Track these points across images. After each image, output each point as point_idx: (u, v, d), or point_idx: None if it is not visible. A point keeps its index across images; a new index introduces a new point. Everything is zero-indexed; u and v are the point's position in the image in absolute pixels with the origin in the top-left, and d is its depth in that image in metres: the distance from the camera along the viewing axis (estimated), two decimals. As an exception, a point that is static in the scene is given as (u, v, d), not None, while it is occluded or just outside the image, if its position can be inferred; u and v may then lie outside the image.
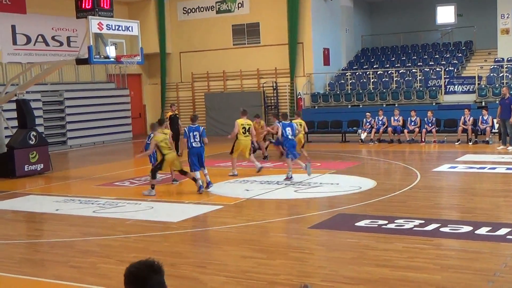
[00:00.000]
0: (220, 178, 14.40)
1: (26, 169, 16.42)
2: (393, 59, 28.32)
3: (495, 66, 24.53)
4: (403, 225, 9.11)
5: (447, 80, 24.17)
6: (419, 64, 26.90)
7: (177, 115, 19.87)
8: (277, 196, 12.23)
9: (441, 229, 8.81)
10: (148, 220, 10.37)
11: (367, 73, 26.55)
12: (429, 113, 20.93)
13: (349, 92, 25.53)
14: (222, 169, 15.61)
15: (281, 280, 6.87)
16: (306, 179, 13.75)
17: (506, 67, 23.97)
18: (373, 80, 25.84)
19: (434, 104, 23.46)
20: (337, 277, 6.88)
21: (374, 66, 27.72)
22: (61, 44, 25.35)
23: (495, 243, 8.10)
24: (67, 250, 8.74)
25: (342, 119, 23.18)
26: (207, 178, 12.92)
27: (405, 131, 21.05)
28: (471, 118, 20.12)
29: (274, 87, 26.67)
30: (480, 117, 20.18)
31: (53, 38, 25.05)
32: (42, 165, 16.85)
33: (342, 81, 26.54)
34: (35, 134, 16.82)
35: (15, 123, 17.33)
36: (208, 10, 28.16)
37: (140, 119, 29.25)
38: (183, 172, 12.90)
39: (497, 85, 22.96)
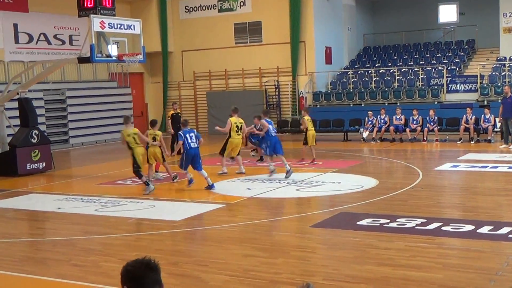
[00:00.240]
0: (222, 177, 14.41)
1: (28, 168, 16.44)
2: (395, 57, 28.29)
3: (497, 65, 24.49)
4: (405, 224, 9.10)
5: (449, 78, 24.13)
6: (421, 62, 26.87)
7: (179, 114, 19.86)
8: (279, 194, 12.22)
9: (443, 228, 8.80)
10: (150, 219, 10.37)
11: (369, 71, 26.53)
12: (431, 112, 20.92)
13: (351, 91, 25.51)
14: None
15: (283, 278, 6.88)
16: (308, 178, 13.76)
17: (508, 66, 23.93)
18: (375, 78, 25.82)
19: (436, 103, 23.44)
20: (339, 276, 6.88)
21: (376, 65, 27.69)
22: (63, 42, 25.35)
23: (497, 242, 8.10)
24: (69, 249, 8.76)
25: (344, 118, 23.16)
26: (208, 180, 12.86)
27: (407, 130, 21.03)
28: (473, 117, 20.10)
29: (276, 86, 26.66)
30: (482, 116, 20.16)
31: (55, 36, 25.05)
32: (44, 163, 16.87)
33: (344, 79, 26.52)
34: (37, 133, 16.84)
35: (17, 121, 17.33)
36: (210, 8, 28.15)
37: (142, 117, 29.23)
38: (137, 171, 12.82)
39: (499, 84, 22.93)
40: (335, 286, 6.55)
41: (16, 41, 23.61)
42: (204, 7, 28.28)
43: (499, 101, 20.24)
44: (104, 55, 15.51)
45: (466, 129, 20.04)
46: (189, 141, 12.84)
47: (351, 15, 29.24)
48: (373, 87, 25.40)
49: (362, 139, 21.40)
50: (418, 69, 25.58)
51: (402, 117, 21.42)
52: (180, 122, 18.84)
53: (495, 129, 19.94)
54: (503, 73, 23.72)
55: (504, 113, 18.58)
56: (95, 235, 9.54)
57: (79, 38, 24.57)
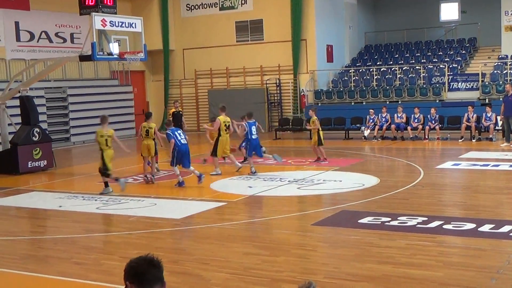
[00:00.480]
0: (222, 175, 14.42)
1: (29, 166, 16.46)
2: (397, 56, 28.26)
3: (499, 63, 24.46)
4: (406, 222, 9.10)
5: (450, 77, 24.12)
6: (422, 61, 26.84)
7: (181, 112, 19.87)
8: (280, 193, 12.22)
9: (444, 226, 8.81)
10: (151, 217, 10.38)
11: (371, 70, 26.51)
12: (433, 110, 20.90)
13: (352, 89, 25.50)
14: (225, 167, 15.58)
15: (284, 277, 6.88)
16: (309, 176, 13.76)
17: (510, 64, 23.89)
18: (376, 77, 25.81)
19: (437, 101, 23.42)
20: (340, 274, 6.88)
21: (378, 63, 27.67)
22: (65, 40, 25.35)
23: (498, 240, 8.11)
24: (70, 247, 8.77)
25: (345, 116, 23.15)
26: (195, 172, 13.10)
27: (409, 128, 21.01)
28: (475, 115, 20.09)
29: (277, 84, 26.66)
30: (484, 114, 20.15)
31: (56, 34, 25.05)
32: (45, 161, 16.89)
33: (345, 78, 26.50)
34: (38, 131, 16.85)
35: (18, 119, 17.34)
36: (212, 6, 28.14)
37: (143, 115, 29.23)
38: (104, 172, 12.76)
39: (500, 82, 22.90)
40: (336, 284, 6.55)
41: (18, 39, 23.62)
42: (205, 5, 28.27)
43: (501, 99, 20.21)
44: (106, 53, 15.51)
45: (468, 128, 20.03)
46: (179, 138, 13.14)
47: (353, 13, 29.22)
48: (375, 85, 25.39)
49: (363, 137, 21.38)
50: (419, 67, 25.55)
51: (404, 115, 21.41)
52: (181, 121, 18.94)
53: (497, 128, 19.93)
54: (504, 72, 23.70)
55: (505, 112, 18.57)
56: (96, 233, 9.56)
57: (81, 36, 24.57)
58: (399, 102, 23.51)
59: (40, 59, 21.54)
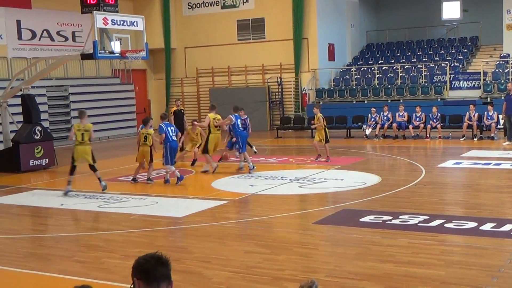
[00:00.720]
0: (223, 174, 14.42)
1: (31, 164, 16.47)
2: (398, 54, 28.24)
3: (501, 62, 24.44)
4: (408, 221, 9.10)
5: (452, 75, 24.10)
6: (424, 59, 26.82)
7: (182, 111, 19.86)
8: (281, 191, 12.23)
9: (446, 225, 8.80)
10: (153, 215, 10.39)
11: (372, 68, 26.49)
12: (434, 109, 20.88)
13: (354, 87, 25.49)
14: (225, 165, 15.57)
15: (285, 275, 6.88)
16: (310, 175, 13.76)
17: (511, 63, 23.87)
18: (378, 75, 25.78)
19: (439, 99, 23.40)
20: (342, 273, 6.88)
21: (379, 62, 27.64)
22: (66, 39, 25.36)
23: (499, 239, 8.10)
24: (72, 245, 8.78)
25: (347, 114, 23.14)
26: (176, 173, 13.14)
27: (410, 126, 21.01)
28: (476, 114, 20.08)
29: (279, 83, 26.65)
30: (486, 113, 20.13)
31: (58, 33, 25.06)
32: (47, 160, 16.90)
33: (347, 76, 26.49)
34: (40, 129, 16.87)
35: (20, 118, 17.37)
36: (213, 5, 28.13)
37: (145, 114, 29.22)
38: (91, 167, 12.95)
39: (502, 81, 22.88)
40: (338, 283, 6.55)
41: (19, 37, 23.64)
42: (207, 3, 28.26)
43: (502, 98, 20.20)
44: (107, 51, 15.52)
45: (469, 126, 20.02)
46: (170, 134, 13.28)
47: (354, 11, 29.19)
48: (376, 84, 25.37)
49: (365, 136, 21.38)
50: (421, 66, 25.54)
51: (405, 114, 21.39)
52: (183, 119, 18.93)
53: (498, 126, 19.91)
54: (506, 70, 23.67)
55: (507, 110, 18.55)
56: (97, 231, 9.56)
57: (82, 34, 24.58)
58: (401, 101, 23.50)
59: (42, 57, 21.57)
